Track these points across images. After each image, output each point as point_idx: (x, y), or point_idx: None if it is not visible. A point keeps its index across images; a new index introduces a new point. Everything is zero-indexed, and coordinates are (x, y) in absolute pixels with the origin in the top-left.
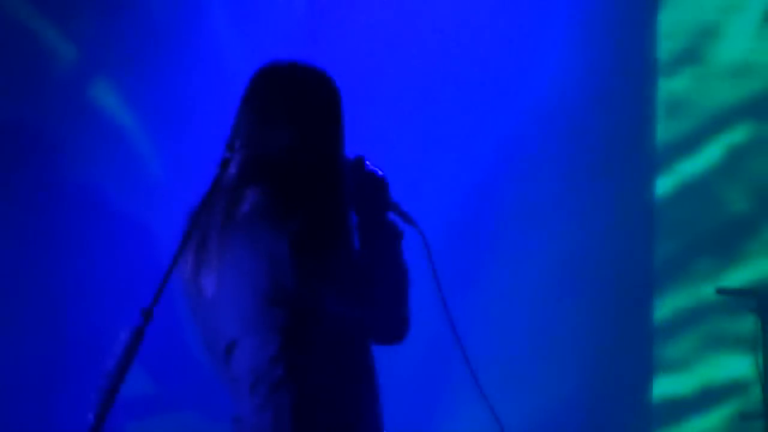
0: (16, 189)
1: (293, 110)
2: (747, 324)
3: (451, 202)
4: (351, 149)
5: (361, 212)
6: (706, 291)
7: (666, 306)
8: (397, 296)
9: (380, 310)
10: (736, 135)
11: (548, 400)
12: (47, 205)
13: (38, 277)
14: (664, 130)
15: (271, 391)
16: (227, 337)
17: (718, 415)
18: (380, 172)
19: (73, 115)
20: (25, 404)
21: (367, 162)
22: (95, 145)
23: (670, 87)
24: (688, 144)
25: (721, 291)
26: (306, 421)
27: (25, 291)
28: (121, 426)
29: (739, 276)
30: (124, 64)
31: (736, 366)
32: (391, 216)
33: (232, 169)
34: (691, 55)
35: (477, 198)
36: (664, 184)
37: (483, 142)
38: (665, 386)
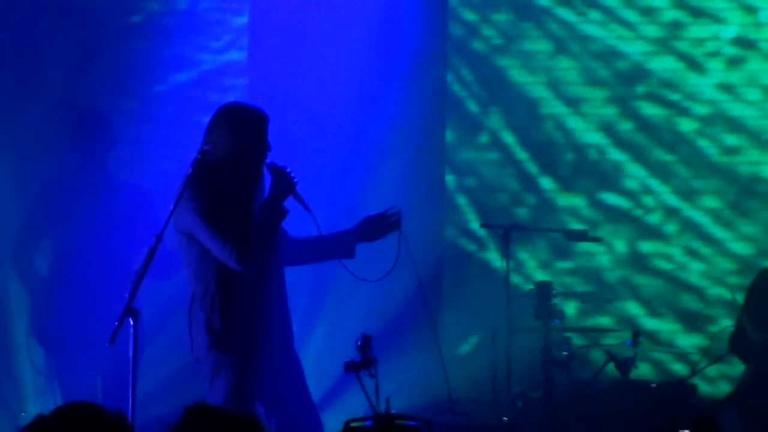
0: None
1: (219, 130)
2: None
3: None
4: (277, 157)
5: (268, 195)
6: (475, 226)
7: (453, 236)
8: (246, 247)
9: (226, 252)
10: (510, 132)
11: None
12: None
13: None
14: (453, 131)
15: (189, 285)
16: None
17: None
18: (292, 174)
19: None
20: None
21: (282, 166)
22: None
23: (460, 100)
24: (473, 138)
25: (483, 225)
26: (205, 304)
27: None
28: None
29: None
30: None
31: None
32: (294, 203)
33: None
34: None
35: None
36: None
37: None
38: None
